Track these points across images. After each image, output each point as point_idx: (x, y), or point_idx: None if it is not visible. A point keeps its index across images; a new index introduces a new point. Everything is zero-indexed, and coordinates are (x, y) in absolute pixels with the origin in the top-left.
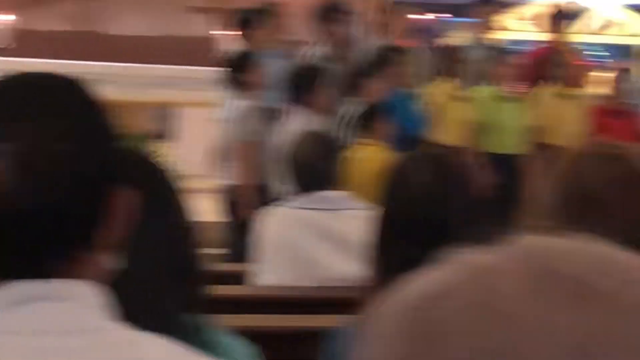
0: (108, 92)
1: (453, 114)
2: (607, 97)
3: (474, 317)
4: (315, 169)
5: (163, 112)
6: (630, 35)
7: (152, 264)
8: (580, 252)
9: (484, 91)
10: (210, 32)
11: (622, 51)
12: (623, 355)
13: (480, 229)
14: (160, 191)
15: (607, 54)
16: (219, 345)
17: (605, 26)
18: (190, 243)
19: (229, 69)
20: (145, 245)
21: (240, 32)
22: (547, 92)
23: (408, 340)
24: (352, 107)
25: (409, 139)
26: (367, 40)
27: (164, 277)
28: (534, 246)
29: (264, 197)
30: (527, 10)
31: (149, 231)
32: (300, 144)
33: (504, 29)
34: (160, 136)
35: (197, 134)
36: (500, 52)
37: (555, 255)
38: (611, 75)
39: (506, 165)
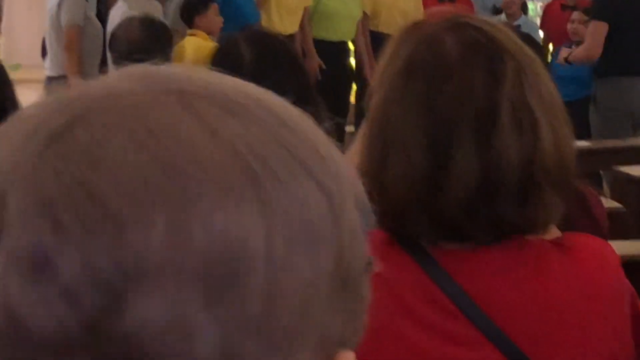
0: None
1: (286, 0)
2: None
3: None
4: (142, 55)
5: None
6: None
7: None
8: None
9: None
10: None
11: None
12: None
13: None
14: None
15: None
16: None
17: None
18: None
19: None
20: None
21: None
22: None
23: None
24: None
25: (241, 27)
26: None
27: None
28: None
29: None
30: None
31: None
32: (126, 29)
33: None
34: None
35: (26, 22)
36: None
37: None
38: None
39: (336, 53)
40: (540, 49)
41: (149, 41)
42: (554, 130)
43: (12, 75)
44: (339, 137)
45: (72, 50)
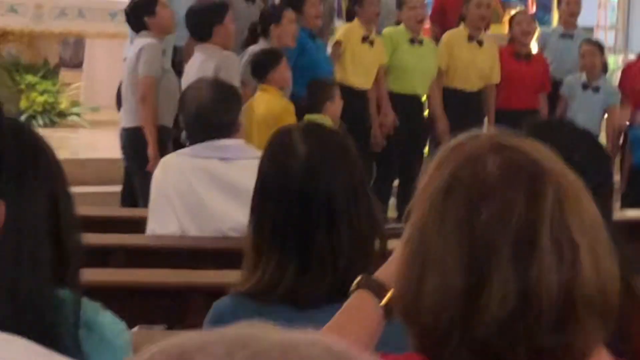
0: (19, 22)
1: (361, 56)
2: (514, 39)
3: None
4: (210, 117)
5: (76, 42)
6: None
7: (31, 237)
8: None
9: (392, 32)
10: None
11: None
12: None
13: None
14: (38, 163)
15: None
16: (94, 325)
17: None
18: (70, 216)
19: (135, 10)
20: (23, 217)
21: None
22: (457, 34)
23: None
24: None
25: (316, 81)
26: None
27: (41, 251)
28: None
29: (167, 140)
30: None
31: (26, 203)
32: (195, 91)
33: None
34: (72, 65)
35: (106, 65)
36: None
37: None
38: (520, 16)
39: (412, 108)
40: (598, 147)
41: (217, 103)
42: (595, 256)
43: (91, 116)
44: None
45: (147, 101)
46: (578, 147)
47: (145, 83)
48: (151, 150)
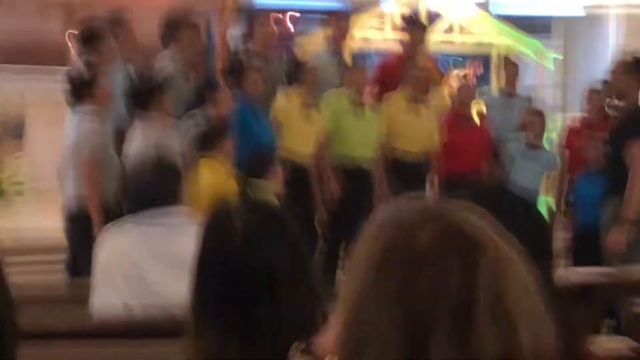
0: None
1: (303, 123)
2: (455, 103)
3: None
4: (151, 189)
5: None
6: (482, 42)
7: None
8: None
9: (334, 99)
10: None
11: (478, 56)
12: None
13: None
14: None
15: (460, 59)
16: None
17: (459, 30)
18: (5, 296)
19: (73, 85)
20: None
21: (87, 45)
22: (399, 99)
23: None
24: (198, 120)
25: (258, 151)
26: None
27: None
28: None
29: (109, 214)
30: (380, 15)
31: None
32: (137, 173)
33: (356, 36)
34: (13, 136)
35: (48, 145)
36: (350, 59)
37: None
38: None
39: (357, 175)
40: (536, 213)
41: (160, 185)
42: (531, 326)
43: (34, 186)
44: None
45: (88, 179)
46: (517, 213)
47: (89, 164)
48: (96, 230)
